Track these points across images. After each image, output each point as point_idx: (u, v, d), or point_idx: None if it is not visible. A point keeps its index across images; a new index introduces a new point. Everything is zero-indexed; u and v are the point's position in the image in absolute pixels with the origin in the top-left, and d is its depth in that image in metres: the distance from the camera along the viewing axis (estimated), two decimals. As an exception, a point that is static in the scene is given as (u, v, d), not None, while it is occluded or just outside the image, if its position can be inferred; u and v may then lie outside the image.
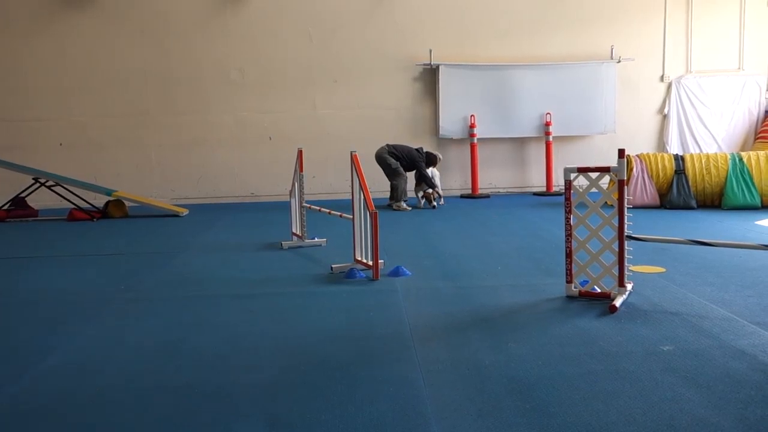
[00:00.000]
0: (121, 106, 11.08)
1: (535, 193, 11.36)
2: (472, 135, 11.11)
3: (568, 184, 4.49)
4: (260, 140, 11.26)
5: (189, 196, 11.16)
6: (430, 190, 9.73)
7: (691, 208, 8.78)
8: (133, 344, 3.84)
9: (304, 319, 4.28)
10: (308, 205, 6.83)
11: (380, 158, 9.63)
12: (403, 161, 9.60)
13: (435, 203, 9.74)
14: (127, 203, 9.84)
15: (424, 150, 9.89)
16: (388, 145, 9.76)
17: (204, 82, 11.14)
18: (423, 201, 9.83)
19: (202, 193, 11.24)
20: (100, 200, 10.03)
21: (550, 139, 11.21)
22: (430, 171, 9.90)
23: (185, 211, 9.79)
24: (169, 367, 3.45)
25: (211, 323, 4.22)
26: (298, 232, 6.92)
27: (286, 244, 6.79)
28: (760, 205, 8.62)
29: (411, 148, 9.79)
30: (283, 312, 4.45)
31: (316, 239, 6.87)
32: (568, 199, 4.48)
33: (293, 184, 7.02)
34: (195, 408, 2.93)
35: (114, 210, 9.63)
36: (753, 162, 8.80)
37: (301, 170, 6.86)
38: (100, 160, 11.09)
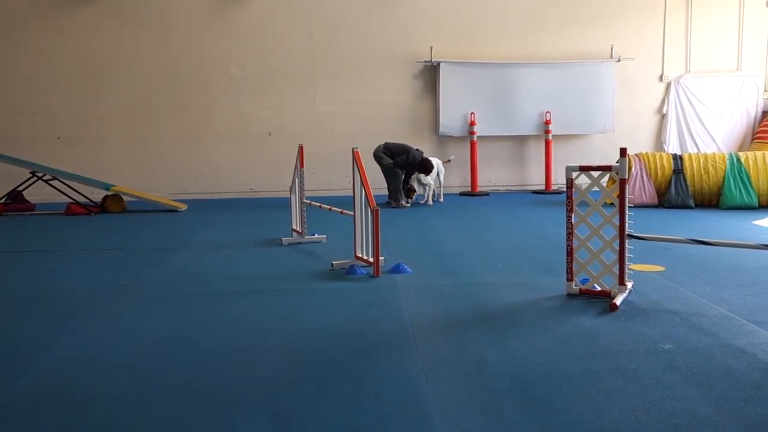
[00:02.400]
0: (120, 101, 11.06)
1: (534, 192, 11.38)
2: (472, 133, 11.12)
3: (570, 182, 4.50)
4: (260, 136, 11.25)
5: (188, 192, 11.14)
6: (417, 187, 9.76)
7: (688, 207, 8.81)
8: (135, 341, 3.84)
9: (306, 315, 4.29)
10: (309, 202, 6.83)
11: (376, 157, 9.61)
12: (396, 159, 9.55)
13: (402, 202, 9.60)
14: (125, 198, 9.83)
15: (422, 155, 9.75)
16: (385, 143, 9.74)
17: (205, 78, 11.12)
18: (415, 196, 9.87)
19: (201, 189, 11.22)
20: (98, 195, 10.01)
21: (550, 137, 11.23)
22: (436, 166, 9.89)
23: (184, 207, 9.78)
24: (172, 365, 3.46)
25: (213, 320, 4.23)
26: (298, 229, 6.92)
27: (285, 240, 6.79)
28: (757, 205, 8.64)
29: (408, 147, 9.71)
30: (284, 309, 4.46)
31: (316, 236, 6.88)
32: (569, 197, 4.50)
33: (294, 180, 7.02)
34: (199, 405, 2.94)
35: (112, 205, 9.62)
36: (751, 162, 8.82)
37: (302, 166, 6.87)
38: (98, 154, 11.07)
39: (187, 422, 2.77)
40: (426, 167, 9.66)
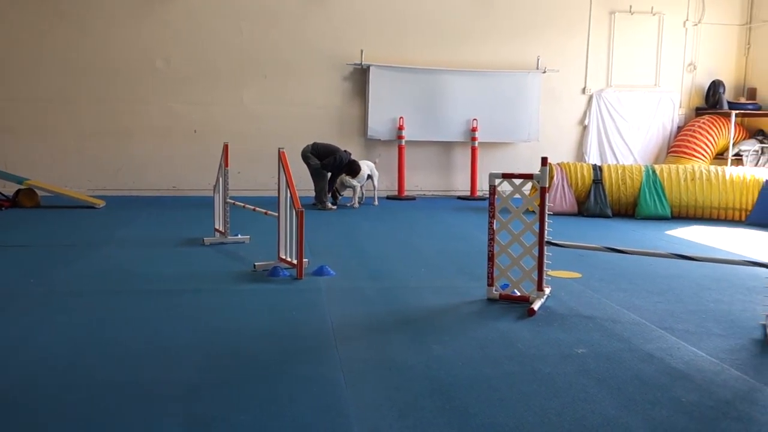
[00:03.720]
0: (37, 91, 10.57)
1: (459, 197, 11.53)
2: (400, 137, 11.18)
3: (493, 189, 4.58)
4: (184, 133, 10.97)
5: (107, 188, 10.76)
6: (342, 189, 9.78)
7: (606, 216, 9.12)
8: (44, 341, 3.68)
9: (227, 317, 4.21)
10: (232, 201, 6.71)
11: (304, 157, 9.54)
12: (323, 161, 9.49)
13: (328, 204, 9.55)
14: (39, 192, 9.41)
15: (350, 157, 9.70)
16: (313, 143, 9.68)
17: (127, 70, 10.76)
18: (340, 199, 9.88)
19: (121, 185, 10.86)
20: (9, 189, 9.55)
21: (476, 144, 11.41)
22: (369, 169, 9.91)
23: (102, 203, 9.45)
24: (84, 364, 3.33)
25: (129, 320, 4.10)
26: (221, 229, 6.79)
27: (207, 240, 6.66)
28: (670, 215, 9.03)
29: (336, 148, 9.68)
30: (204, 309, 4.36)
31: (239, 236, 6.76)
32: (492, 204, 4.58)
33: (217, 179, 6.88)
34: (113, 406, 2.84)
35: (25, 199, 9.20)
36: (665, 175, 9.21)
37: (227, 165, 6.74)
38: (11, 146, 10.54)
39: (99, 423, 2.68)
40: (353, 169, 9.64)
